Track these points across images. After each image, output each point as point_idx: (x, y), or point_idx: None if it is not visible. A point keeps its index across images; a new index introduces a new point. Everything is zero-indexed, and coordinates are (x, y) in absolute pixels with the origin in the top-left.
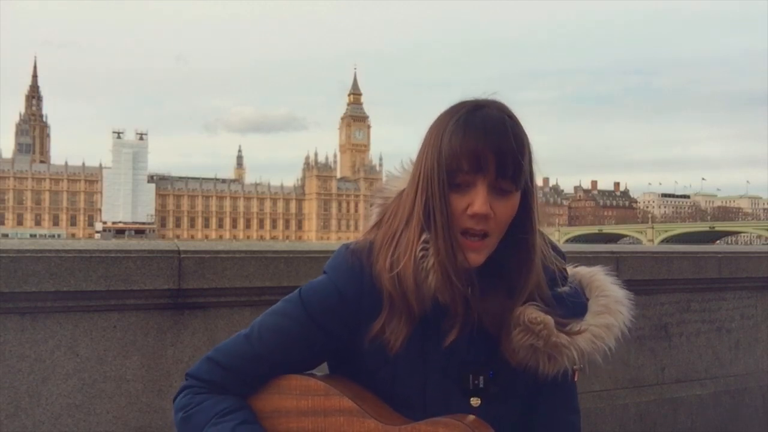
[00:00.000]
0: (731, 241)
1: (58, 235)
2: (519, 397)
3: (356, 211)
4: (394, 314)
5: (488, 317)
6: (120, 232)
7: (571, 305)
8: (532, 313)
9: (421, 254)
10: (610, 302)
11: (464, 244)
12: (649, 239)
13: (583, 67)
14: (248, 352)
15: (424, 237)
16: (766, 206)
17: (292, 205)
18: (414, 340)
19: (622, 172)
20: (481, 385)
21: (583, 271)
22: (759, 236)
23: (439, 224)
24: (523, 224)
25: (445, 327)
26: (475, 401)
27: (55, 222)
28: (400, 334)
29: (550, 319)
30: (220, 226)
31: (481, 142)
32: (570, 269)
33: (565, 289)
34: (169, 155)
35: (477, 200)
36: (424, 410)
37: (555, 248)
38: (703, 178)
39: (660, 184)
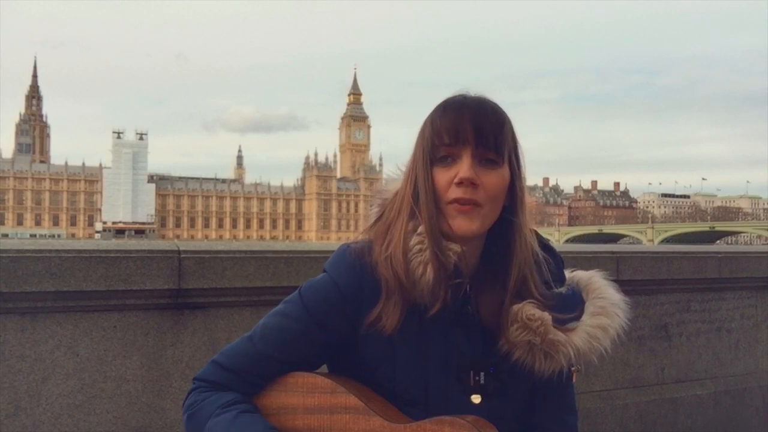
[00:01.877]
0: (731, 241)
1: (58, 235)
2: (519, 394)
3: (356, 211)
4: (389, 300)
5: (485, 310)
6: (120, 232)
7: (569, 305)
8: (530, 310)
9: (417, 247)
10: (607, 304)
11: (452, 209)
12: (649, 239)
13: (585, 67)
14: (251, 352)
15: (420, 230)
16: (766, 206)
17: (292, 205)
18: (413, 336)
19: (622, 172)
20: (482, 381)
21: (580, 274)
22: (759, 236)
23: (423, 198)
24: (511, 206)
25: (430, 302)
26: (475, 398)
27: (55, 222)
28: (394, 316)
29: (547, 316)
30: (220, 226)
31: (459, 115)
32: (568, 273)
33: (563, 289)
34: (169, 155)
35: (462, 166)
36: (426, 408)
37: (550, 250)
38: (703, 178)
39: (660, 184)
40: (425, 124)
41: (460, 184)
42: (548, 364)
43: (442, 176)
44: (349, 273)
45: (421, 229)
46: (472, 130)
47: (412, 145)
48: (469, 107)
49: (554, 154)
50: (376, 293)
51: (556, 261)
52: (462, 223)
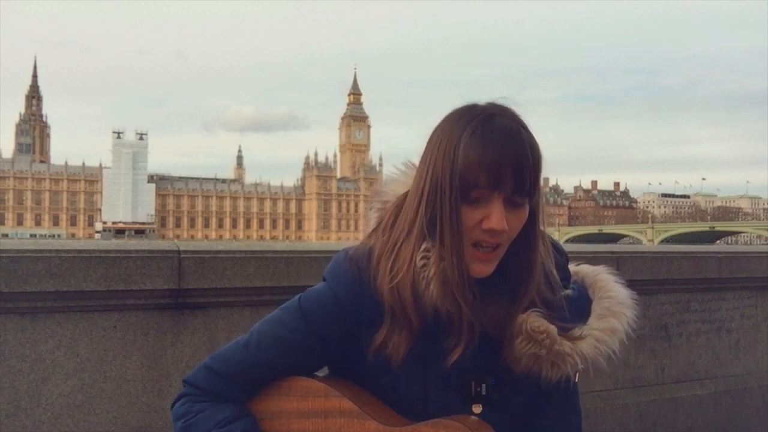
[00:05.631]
0: (731, 241)
1: (58, 235)
2: (521, 403)
3: (356, 211)
4: (395, 327)
5: (490, 323)
6: (120, 232)
7: (575, 309)
8: (535, 321)
9: (422, 263)
10: (614, 304)
11: (474, 255)
12: (649, 239)
13: (586, 67)
14: (246, 360)
15: (425, 246)
16: (766, 206)
17: (292, 205)
18: (415, 347)
19: (623, 172)
20: (484, 392)
21: (586, 269)
22: (759, 236)
23: (447, 237)
24: (528, 231)
25: (449, 344)
26: (476, 408)
27: (55, 222)
28: (401, 348)
29: (553, 328)
30: (220, 226)
31: (501, 157)
32: (573, 267)
33: (568, 291)
34: (169, 155)
35: (494, 216)
36: (425, 416)
37: (557, 248)
38: (703, 178)
39: (660, 184)
40: (453, 148)
41: (488, 231)
42: (555, 373)
43: (469, 216)
44: (348, 284)
45: (426, 245)
46: (511, 176)
47: (423, 148)
48: (511, 148)
49: (554, 154)
50: (377, 308)
51: (561, 260)
52: (479, 269)
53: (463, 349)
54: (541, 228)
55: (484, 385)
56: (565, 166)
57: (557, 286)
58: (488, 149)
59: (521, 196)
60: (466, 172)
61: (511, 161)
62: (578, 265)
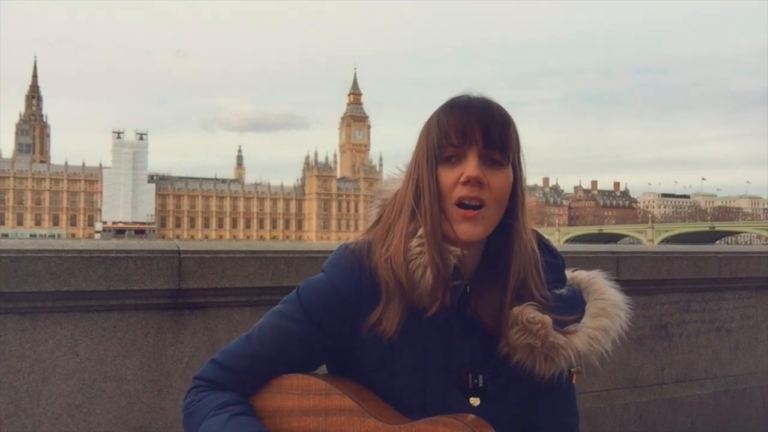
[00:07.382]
0: (731, 241)
1: (58, 235)
2: (518, 397)
3: (356, 211)
4: (390, 302)
5: (485, 313)
6: (120, 232)
7: (569, 307)
8: (530, 312)
9: (417, 249)
10: (608, 305)
11: (459, 214)
12: (649, 239)
13: (591, 66)
14: (249, 352)
15: (420, 233)
16: (766, 206)
17: (292, 205)
18: (412, 338)
19: (623, 171)
20: (481, 384)
21: (581, 275)
22: (759, 236)
23: (426, 198)
24: (512, 208)
25: (428, 301)
26: (474, 401)
27: (55, 222)
28: (394, 319)
29: (548, 319)
30: (220, 226)
31: (467, 115)
32: (569, 273)
33: (563, 290)
34: (169, 155)
35: (469, 166)
36: (423, 411)
37: (551, 250)
38: (703, 178)
39: (660, 184)
40: (430, 123)
41: (467, 182)
42: (548, 367)
43: (448, 175)
44: (347, 274)
45: (421, 231)
46: (479, 129)
47: (413, 144)
48: (476, 107)
49: (555, 154)
50: (375, 296)
51: (557, 261)
52: (466, 229)
53: (440, 304)
54: (525, 206)
55: (481, 377)
56: (566, 166)
57: (551, 284)
58: (455, 112)
59: (494, 150)
60: (439, 137)
61: (477, 118)
62: (574, 271)
